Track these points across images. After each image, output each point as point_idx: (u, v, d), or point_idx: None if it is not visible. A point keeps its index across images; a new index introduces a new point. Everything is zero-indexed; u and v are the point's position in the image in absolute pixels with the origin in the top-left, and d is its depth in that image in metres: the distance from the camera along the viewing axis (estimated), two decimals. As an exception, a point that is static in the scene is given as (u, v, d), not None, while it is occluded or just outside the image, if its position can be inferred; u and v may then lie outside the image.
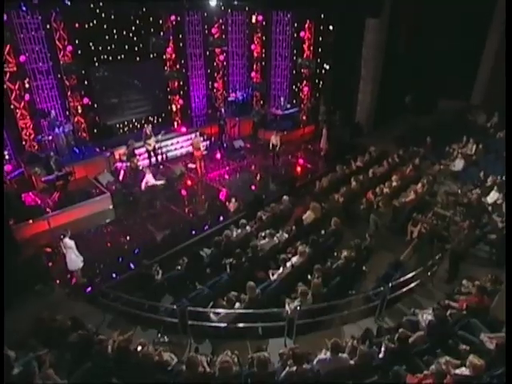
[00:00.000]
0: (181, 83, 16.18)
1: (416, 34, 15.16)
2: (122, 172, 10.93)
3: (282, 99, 15.99)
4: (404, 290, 6.94)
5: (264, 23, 16.48)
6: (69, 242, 7.18)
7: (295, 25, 16.11)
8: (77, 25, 12.88)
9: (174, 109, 16.24)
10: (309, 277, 7.18)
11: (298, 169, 13.15)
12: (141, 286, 7.13)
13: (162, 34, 14.54)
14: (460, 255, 7.53)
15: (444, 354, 5.06)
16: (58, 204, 9.68)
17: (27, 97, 12.00)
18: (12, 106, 12.03)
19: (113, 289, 7.17)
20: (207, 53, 16.54)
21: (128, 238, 9.18)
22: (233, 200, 10.25)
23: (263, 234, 8.41)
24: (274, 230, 8.51)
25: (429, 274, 7.54)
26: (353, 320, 6.71)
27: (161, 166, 12.84)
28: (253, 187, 11.95)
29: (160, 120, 16.08)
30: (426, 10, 14.16)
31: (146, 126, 12.60)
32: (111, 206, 10.43)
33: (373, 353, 5.30)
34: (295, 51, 16.53)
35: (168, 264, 7.88)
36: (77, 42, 13.19)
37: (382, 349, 5.33)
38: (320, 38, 15.72)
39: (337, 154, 13.74)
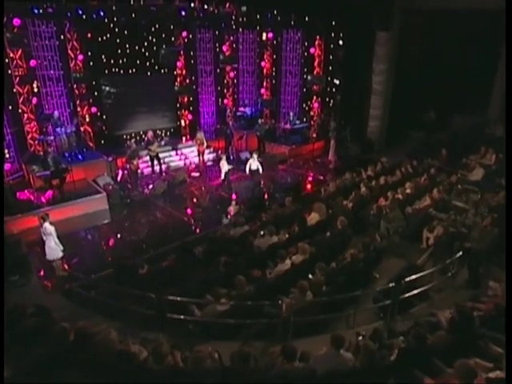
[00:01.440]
0: (190, 99, 16.04)
1: (428, 47, 14.74)
2: (120, 172, 10.41)
3: (291, 114, 15.57)
4: (419, 290, 5.90)
5: (274, 41, 16.44)
6: (49, 227, 6.53)
7: (305, 43, 16.01)
8: (90, 36, 12.99)
9: (183, 124, 16.04)
10: (310, 276, 6.25)
11: (306, 180, 12.40)
12: (123, 280, 6.32)
13: (172, 46, 14.52)
14: (482, 254, 6.50)
15: (472, 356, 4.02)
16: (51, 201, 9.12)
17: (35, 100, 11.87)
18: (20, 110, 11.91)
19: (93, 283, 6.37)
20: (217, 70, 16.48)
21: (119, 236, 8.46)
22: (233, 203, 9.52)
23: (262, 233, 7.57)
24: (275, 229, 7.67)
25: (449, 274, 6.49)
26: (359, 323, 5.68)
27: (163, 174, 12.32)
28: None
29: (168, 134, 15.83)
30: (438, 23, 13.80)
31: (148, 131, 12.22)
32: (107, 207, 9.83)
33: (383, 354, 4.29)
34: (305, 68, 16.32)
35: (157, 261, 7.08)
36: (89, 53, 13.29)
37: (395, 350, 4.33)
38: (330, 54, 15.50)
39: (346, 168, 12.97)
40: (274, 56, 16.63)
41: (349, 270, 6.61)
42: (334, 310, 5.58)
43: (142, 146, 11.67)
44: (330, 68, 15.84)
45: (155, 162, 12.41)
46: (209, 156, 14.92)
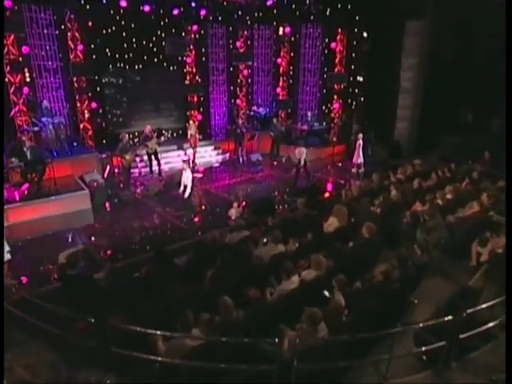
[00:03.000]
0: (201, 98, 14.66)
1: (466, 39, 12.87)
2: (107, 168, 8.97)
3: (309, 114, 13.92)
4: (486, 327, 4.01)
5: (292, 38, 14.96)
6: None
7: (326, 40, 14.44)
8: (93, 27, 11.89)
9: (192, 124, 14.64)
10: (325, 293, 4.47)
11: (324, 183, 10.61)
12: (78, 294, 4.70)
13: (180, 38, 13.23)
14: None
15: None
16: (25, 197, 7.71)
17: (26, 90, 10.69)
18: (11, 102, 10.74)
19: (38, 298, 4.77)
20: (230, 68, 15.08)
21: (93, 240, 6.92)
22: (235, 205, 7.86)
23: (265, 240, 5.84)
24: (281, 236, 5.92)
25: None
26: (394, 373, 3.82)
27: (162, 175, 10.83)
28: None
29: (175, 135, 14.48)
30: (479, 10, 11.95)
31: (146, 125, 10.80)
32: (89, 206, 8.35)
33: None
34: (325, 67, 14.72)
35: (129, 272, 5.46)
36: (92, 46, 12.17)
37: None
38: (353, 49, 13.88)
39: (372, 172, 11.13)
40: (292, 53, 15.12)
41: (380, 292, 4.78)
42: (358, 353, 3.76)
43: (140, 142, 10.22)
44: (353, 66, 14.18)
45: (154, 161, 10.92)
46: (217, 157, 13.43)
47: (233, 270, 5.13)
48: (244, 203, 8.60)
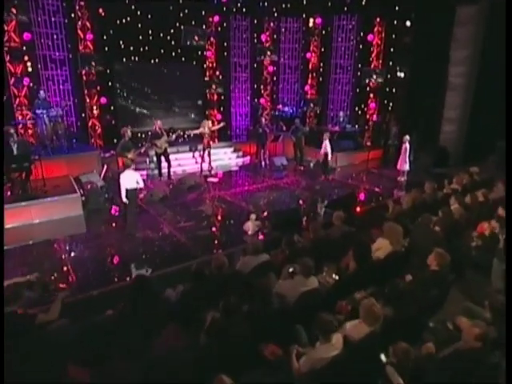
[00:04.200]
0: (221, 97, 13.21)
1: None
2: (105, 167, 7.55)
3: (341, 114, 12.14)
4: None
5: (323, 31, 13.29)
6: None
7: (361, 33, 12.69)
8: (105, 17, 10.71)
9: (211, 125, 13.19)
10: (382, 357, 2.76)
11: (362, 193, 8.79)
12: (19, 336, 3.17)
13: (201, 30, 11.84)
14: None
15: None
16: (5, 200, 6.36)
17: (26, 81, 9.51)
18: (12, 94, 9.60)
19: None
20: (254, 64, 13.60)
21: (72, 256, 5.43)
22: (252, 217, 6.22)
23: (291, 270, 4.13)
24: (313, 264, 4.20)
25: None
26: None
27: (172, 178, 9.35)
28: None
29: (192, 135, 13.03)
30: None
31: (155, 120, 9.38)
32: (81, 212, 6.93)
33: None
34: (359, 63, 12.95)
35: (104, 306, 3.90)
36: (104, 37, 10.97)
37: None
38: (393, 42, 12.05)
39: (418, 182, 9.24)
40: (322, 48, 13.46)
41: (462, 360, 3.01)
42: None
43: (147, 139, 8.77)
44: (392, 61, 12.33)
45: (163, 163, 9.46)
46: (237, 161, 11.88)
47: (243, 314, 3.48)
48: (264, 214, 6.94)
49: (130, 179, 6.04)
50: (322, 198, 8.31)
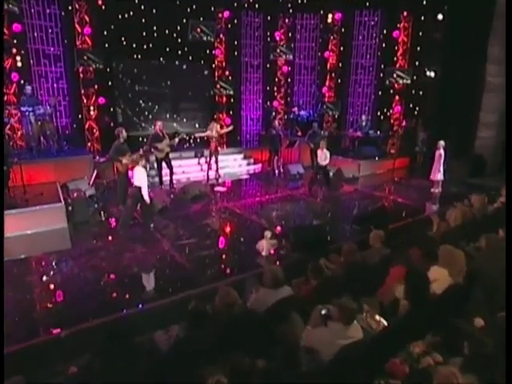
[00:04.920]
0: (231, 99, 12.36)
1: None
2: (95, 173, 6.65)
3: (363, 118, 11.16)
4: None
5: (343, 29, 12.41)
6: None
7: (384, 30, 11.78)
8: (105, 11, 10.03)
9: (219, 128, 12.35)
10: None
11: (392, 207, 7.69)
12: None
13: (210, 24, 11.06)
14: None
15: None
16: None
17: (15, 77, 8.74)
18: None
19: None
20: (267, 64, 12.78)
21: (42, 281, 4.47)
22: (267, 235, 5.23)
23: (324, 311, 3.09)
24: (351, 300, 3.16)
25: None
26: None
27: (174, 187, 8.44)
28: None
29: (199, 141, 12.20)
30: None
31: (155, 121, 8.51)
32: (65, 225, 6.01)
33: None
34: (382, 64, 12.01)
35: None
36: (105, 32, 10.26)
37: None
38: (420, 37, 11.11)
39: (456, 194, 8.16)
40: (341, 47, 12.55)
41: None
42: None
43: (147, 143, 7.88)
44: (417, 62, 11.36)
45: (164, 169, 8.57)
46: (248, 168, 10.95)
47: (258, 377, 2.47)
48: (280, 230, 5.95)
49: (143, 176, 5.57)
50: (347, 211, 7.29)
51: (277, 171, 10.43)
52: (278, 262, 4.94)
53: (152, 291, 4.44)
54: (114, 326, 2.75)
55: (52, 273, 4.86)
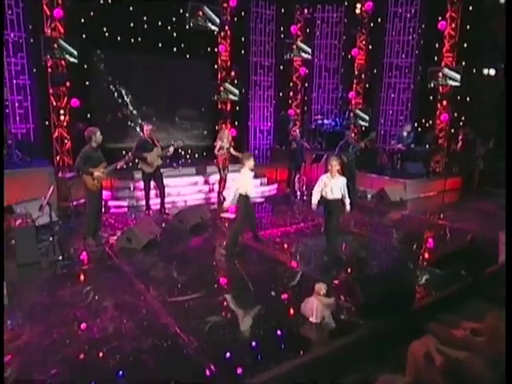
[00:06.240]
0: (236, 107, 10.95)
1: None
2: (51, 188, 4.82)
3: (407, 127, 9.49)
4: None
5: (372, 23, 11.05)
6: None
7: (425, 22, 10.38)
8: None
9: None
10: None
11: (477, 242, 5.80)
12: None
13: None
14: None
15: None
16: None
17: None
18: None
19: None
20: (281, 66, 11.46)
21: None
22: (321, 289, 3.39)
23: None
24: None
25: None
26: None
27: (165, 212, 6.63)
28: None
29: (196, 156, 10.61)
30: None
31: (144, 124, 6.80)
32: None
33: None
34: (419, 66, 10.60)
35: None
36: (82, 20, 8.87)
37: None
38: (474, 29, 9.71)
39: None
40: (371, 45, 11.16)
41: None
42: None
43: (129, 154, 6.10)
44: (467, 60, 9.92)
45: (153, 189, 6.82)
46: (262, 189, 9.19)
47: None
48: (336, 282, 4.07)
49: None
50: (413, 248, 5.48)
51: (299, 193, 8.70)
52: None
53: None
54: None
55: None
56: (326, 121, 10.60)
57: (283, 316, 3.63)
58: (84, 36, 9.00)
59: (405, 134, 9.51)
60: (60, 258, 4.62)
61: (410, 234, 6.36)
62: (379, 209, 7.81)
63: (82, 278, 4.40)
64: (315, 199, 5.05)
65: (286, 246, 5.61)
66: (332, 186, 4.93)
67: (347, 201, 5.04)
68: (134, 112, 9.80)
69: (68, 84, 8.57)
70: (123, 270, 4.60)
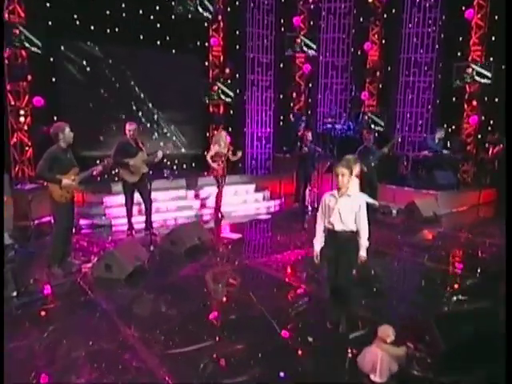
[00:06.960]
0: (230, 110, 10.74)
1: None
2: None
3: (440, 132, 9.08)
4: None
5: (385, 14, 10.79)
6: None
7: (446, 12, 10.10)
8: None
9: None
10: None
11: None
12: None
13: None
14: None
15: None
16: None
17: None
18: None
19: None
20: (281, 63, 11.35)
21: None
22: (389, 336, 2.68)
23: None
24: None
25: None
26: None
27: (152, 232, 5.89)
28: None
29: (185, 166, 10.02)
30: None
31: (127, 123, 6.10)
32: None
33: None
34: (441, 61, 10.30)
35: None
36: (48, 4, 8.61)
37: None
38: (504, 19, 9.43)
39: None
40: (384, 39, 10.87)
41: None
42: None
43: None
44: (492, 56, 9.62)
45: (137, 204, 6.10)
46: (265, 205, 8.56)
47: None
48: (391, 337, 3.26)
49: None
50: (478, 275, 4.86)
51: (309, 207, 8.07)
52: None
53: None
54: None
55: None
56: (337, 125, 10.07)
57: (330, 372, 2.87)
58: (50, 23, 8.58)
59: (436, 140, 9.05)
60: (14, 294, 3.87)
61: (461, 257, 5.74)
62: (410, 226, 7.20)
63: (44, 320, 3.63)
64: (318, 245, 3.49)
65: (304, 271, 4.90)
66: (340, 209, 3.30)
67: (364, 234, 3.36)
68: (110, 113, 9.19)
69: (30, 78, 7.94)
70: (101, 309, 3.82)
